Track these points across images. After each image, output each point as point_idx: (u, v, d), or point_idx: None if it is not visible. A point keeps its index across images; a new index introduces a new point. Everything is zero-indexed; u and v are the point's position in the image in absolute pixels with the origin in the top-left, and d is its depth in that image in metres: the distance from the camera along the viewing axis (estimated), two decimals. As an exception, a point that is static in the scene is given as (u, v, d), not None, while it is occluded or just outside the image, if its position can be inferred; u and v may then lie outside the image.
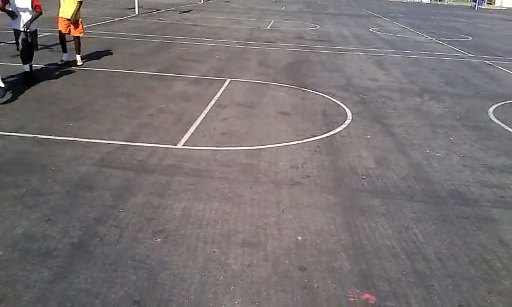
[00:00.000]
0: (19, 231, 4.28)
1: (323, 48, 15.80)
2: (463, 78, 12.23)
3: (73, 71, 10.33)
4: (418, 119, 8.47)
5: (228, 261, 4.05)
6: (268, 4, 38.65)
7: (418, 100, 9.81)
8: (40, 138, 6.47)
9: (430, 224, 4.87)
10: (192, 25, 20.01)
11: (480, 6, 52.88)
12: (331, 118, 8.23)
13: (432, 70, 13.14)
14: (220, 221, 4.67)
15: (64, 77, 9.79)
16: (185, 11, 24.72)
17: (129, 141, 6.54)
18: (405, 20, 27.05)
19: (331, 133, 7.39)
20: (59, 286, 3.61)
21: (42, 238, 4.19)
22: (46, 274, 3.73)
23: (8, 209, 4.64)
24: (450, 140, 7.44)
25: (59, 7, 10.45)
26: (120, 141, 6.53)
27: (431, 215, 5.07)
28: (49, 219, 4.51)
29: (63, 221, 4.48)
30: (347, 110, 8.69)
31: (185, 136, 6.85)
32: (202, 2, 35.67)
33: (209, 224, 4.60)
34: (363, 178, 5.85)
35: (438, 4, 60.67)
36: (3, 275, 3.68)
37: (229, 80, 10.45)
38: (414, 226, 4.81)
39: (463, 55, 16.09)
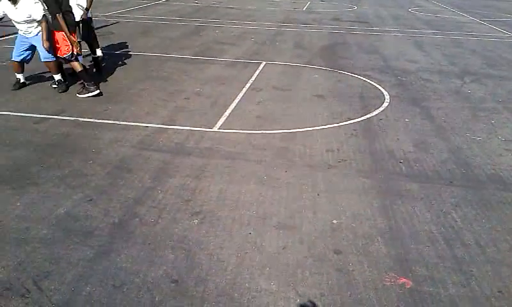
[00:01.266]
0: (62, 211, 4.43)
1: (360, 30, 15.52)
2: (506, 60, 11.81)
3: (110, 56, 10.51)
4: (459, 101, 8.26)
5: (263, 243, 4.09)
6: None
7: (459, 82, 9.55)
8: (80, 121, 6.64)
9: (469, 209, 4.78)
10: (227, 7, 19.98)
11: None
12: (368, 100, 8.12)
13: (474, 51, 12.75)
14: (255, 204, 4.71)
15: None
16: (221, -6, 24.64)
17: (166, 124, 6.64)
18: (445, -1, 26.26)
19: (368, 116, 7.30)
20: (100, 264, 3.74)
21: (84, 218, 4.34)
22: (88, 253, 3.86)
23: (51, 189, 4.81)
24: (492, 123, 7.23)
25: None
26: (157, 124, 6.64)
27: (471, 199, 4.97)
28: (91, 200, 4.65)
29: (104, 201, 4.62)
30: (385, 92, 8.55)
31: (220, 119, 6.90)
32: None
33: (245, 207, 4.65)
34: (400, 162, 5.77)
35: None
36: (48, 254, 3.84)
37: (264, 63, 10.43)
38: (453, 211, 4.73)
39: (506, 35, 15.52)
